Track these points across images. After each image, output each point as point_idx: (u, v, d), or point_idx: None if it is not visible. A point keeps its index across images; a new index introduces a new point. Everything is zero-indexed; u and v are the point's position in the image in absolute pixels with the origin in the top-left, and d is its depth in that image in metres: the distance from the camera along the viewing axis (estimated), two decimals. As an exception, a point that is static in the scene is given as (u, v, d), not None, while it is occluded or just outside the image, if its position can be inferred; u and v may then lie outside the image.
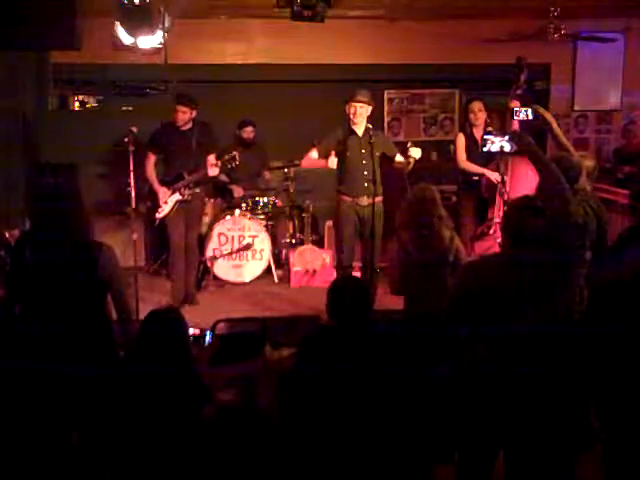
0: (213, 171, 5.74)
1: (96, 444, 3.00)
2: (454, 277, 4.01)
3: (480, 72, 7.50)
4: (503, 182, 5.09)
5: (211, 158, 5.78)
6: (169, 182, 5.75)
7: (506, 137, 4.54)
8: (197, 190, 5.80)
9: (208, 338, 4.06)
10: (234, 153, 5.82)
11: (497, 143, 4.58)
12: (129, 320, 3.23)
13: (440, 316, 3.80)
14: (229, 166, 5.87)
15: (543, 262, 2.73)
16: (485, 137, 4.73)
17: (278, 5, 5.87)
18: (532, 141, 3.19)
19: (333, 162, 5.22)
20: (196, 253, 6.01)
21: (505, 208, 4.78)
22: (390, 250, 4.77)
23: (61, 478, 3.08)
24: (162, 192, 5.73)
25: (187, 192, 5.70)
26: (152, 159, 5.77)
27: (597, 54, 7.61)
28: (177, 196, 5.70)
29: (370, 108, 5.23)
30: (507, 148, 4.53)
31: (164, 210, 5.76)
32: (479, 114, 5.70)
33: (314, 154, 5.32)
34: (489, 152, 4.77)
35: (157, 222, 5.83)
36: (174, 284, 5.88)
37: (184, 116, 5.65)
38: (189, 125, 5.72)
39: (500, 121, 5.97)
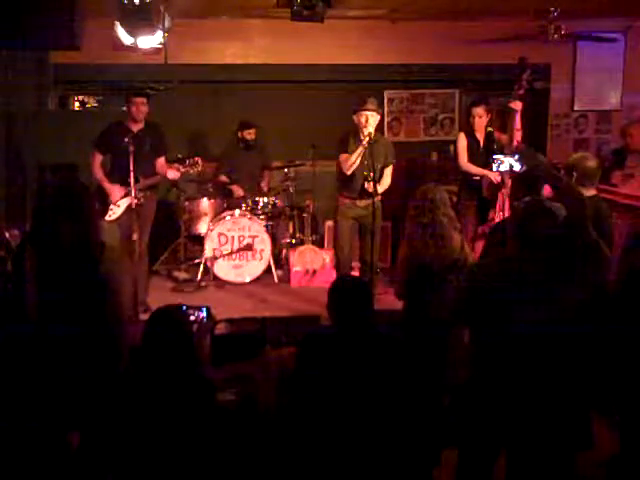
0: (173, 174, 5.50)
1: (98, 444, 3.00)
2: (457, 280, 3.97)
3: (480, 72, 7.51)
4: (504, 182, 5.11)
5: (161, 160, 5.53)
6: (121, 184, 5.32)
7: (515, 156, 4.72)
8: (149, 193, 5.45)
9: (204, 314, 3.95)
10: (197, 159, 5.57)
11: (506, 162, 4.79)
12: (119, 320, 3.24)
13: (441, 323, 3.81)
14: (191, 171, 5.62)
15: (551, 264, 2.71)
16: (495, 157, 4.93)
17: (278, 5, 5.89)
18: (541, 158, 3.18)
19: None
20: (146, 260, 5.60)
21: (512, 209, 4.79)
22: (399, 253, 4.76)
23: (61, 478, 3.08)
24: (116, 191, 5.33)
25: (141, 195, 5.26)
26: (98, 159, 5.41)
27: (597, 54, 7.63)
28: (130, 199, 5.15)
29: (378, 117, 5.24)
30: (516, 167, 4.72)
31: (115, 213, 5.34)
32: (483, 119, 5.67)
33: (343, 157, 5.28)
34: (494, 157, 4.94)
35: (106, 225, 5.23)
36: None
37: (143, 108, 5.35)
38: (140, 125, 5.41)
39: (501, 121, 5.96)
